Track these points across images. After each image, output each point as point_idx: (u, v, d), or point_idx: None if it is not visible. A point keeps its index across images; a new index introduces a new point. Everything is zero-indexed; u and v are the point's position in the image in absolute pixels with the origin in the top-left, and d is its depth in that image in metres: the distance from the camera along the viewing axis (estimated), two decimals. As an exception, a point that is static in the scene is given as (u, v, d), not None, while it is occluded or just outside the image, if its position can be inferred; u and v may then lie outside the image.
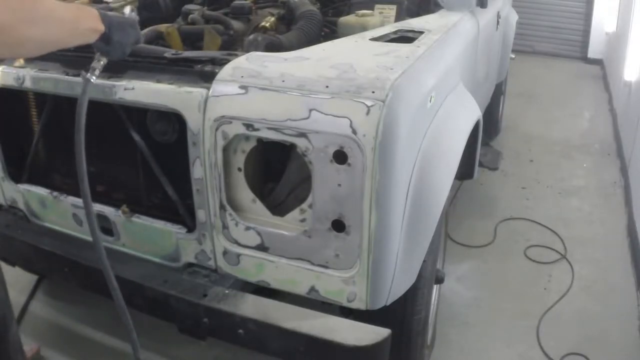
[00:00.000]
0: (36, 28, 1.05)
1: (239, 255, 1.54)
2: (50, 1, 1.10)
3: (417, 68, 1.49)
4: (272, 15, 2.20)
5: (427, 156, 1.49)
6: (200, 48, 2.00)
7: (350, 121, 1.28)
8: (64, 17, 1.14)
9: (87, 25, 1.22)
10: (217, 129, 1.42)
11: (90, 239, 1.78)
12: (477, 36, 2.35)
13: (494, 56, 3.14)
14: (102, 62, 1.37)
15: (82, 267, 1.68)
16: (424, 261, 1.58)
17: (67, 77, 1.61)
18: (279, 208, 1.53)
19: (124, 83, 1.53)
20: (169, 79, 1.52)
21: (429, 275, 1.69)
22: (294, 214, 1.48)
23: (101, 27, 1.26)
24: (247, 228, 1.50)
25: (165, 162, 1.62)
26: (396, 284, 1.46)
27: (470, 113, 1.96)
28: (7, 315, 1.24)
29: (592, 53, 6.88)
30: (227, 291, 1.54)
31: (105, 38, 1.28)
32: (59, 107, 1.76)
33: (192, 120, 1.44)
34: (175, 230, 1.63)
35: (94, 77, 1.34)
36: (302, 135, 1.33)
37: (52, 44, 1.15)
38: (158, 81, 1.51)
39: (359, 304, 1.45)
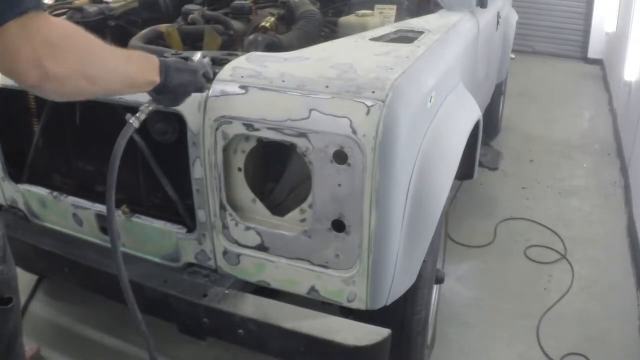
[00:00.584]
0: (94, 85, 1.03)
1: (239, 255, 1.54)
2: (117, 55, 1.09)
3: (417, 68, 1.49)
4: (272, 15, 2.20)
5: (427, 156, 1.49)
6: (200, 48, 2.00)
7: (350, 121, 1.28)
8: (125, 72, 1.12)
9: (145, 78, 1.19)
10: (217, 129, 1.42)
11: (90, 238, 1.79)
12: (477, 36, 2.35)
13: (494, 56, 3.14)
14: (150, 108, 1.30)
15: (82, 267, 1.68)
16: (424, 261, 1.58)
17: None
18: (279, 208, 1.53)
19: (124, 83, 1.53)
20: (169, 79, 1.51)
21: (429, 275, 1.69)
22: (294, 214, 1.48)
23: (157, 79, 1.21)
24: (247, 228, 1.50)
25: (165, 162, 1.62)
26: (396, 284, 1.46)
27: (470, 113, 1.96)
28: (18, 325, 1.26)
29: (592, 53, 6.88)
30: (227, 291, 1.54)
31: (158, 88, 1.22)
32: (59, 107, 1.75)
33: (192, 120, 1.44)
34: (175, 230, 1.63)
35: (137, 123, 1.28)
36: (302, 135, 1.33)
37: (102, 94, 1.14)
38: (158, 81, 1.51)
39: (359, 304, 1.45)
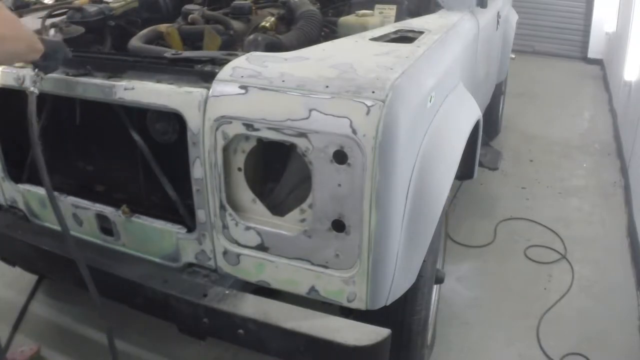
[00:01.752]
0: None
1: (239, 255, 1.54)
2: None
3: (417, 68, 1.49)
4: (272, 15, 2.20)
5: (427, 156, 1.49)
6: (200, 48, 2.00)
7: (350, 121, 1.28)
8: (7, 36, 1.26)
9: (31, 46, 1.38)
10: (217, 129, 1.42)
11: (90, 238, 1.79)
12: (477, 36, 2.35)
13: (494, 56, 3.14)
14: (40, 77, 1.53)
15: (82, 267, 1.68)
16: (424, 261, 1.58)
17: (67, 77, 1.61)
18: (279, 208, 1.53)
19: (124, 83, 1.53)
20: (169, 79, 1.51)
21: (429, 275, 1.69)
22: (294, 214, 1.48)
23: (42, 48, 1.42)
24: (247, 228, 1.50)
25: (165, 162, 1.62)
26: (396, 284, 1.46)
27: (470, 113, 1.96)
28: None
29: (592, 53, 6.88)
30: (227, 291, 1.54)
31: (45, 56, 1.44)
32: (59, 107, 1.76)
33: (192, 120, 1.44)
34: (175, 230, 1.63)
35: (36, 90, 1.50)
36: (302, 135, 1.33)
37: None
38: (158, 81, 1.51)
39: (359, 304, 1.45)
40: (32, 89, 1.49)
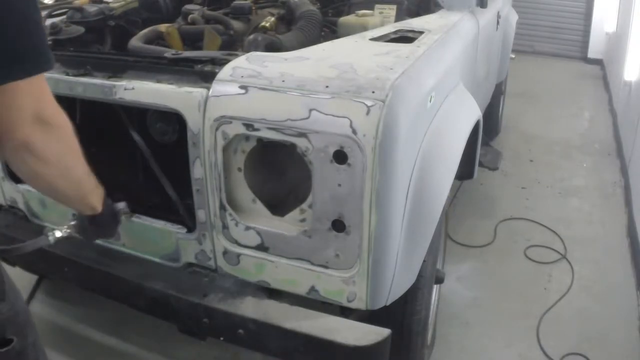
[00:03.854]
0: (59, 179, 1.07)
1: (239, 255, 1.54)
2: (85, 167, 1.14)
3: (417, 68, 1.49)
4: (272, 15, 2.20)
5: (427, 156, 1.49)
6: (200, 48, 2.00)
7: (350, 121, 1.28)
8: (84, 187, 1.18)
9: (92, 201, 1.27)
10: (217, 129, 1.42)
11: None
12: (477, 36, 2.35)
13: (494, 56, 3.14)
14: (68, 231, 1.40)
15: (82, 267, 1.68)
16: (424, 261, 1.58)
17: (67, 77, 1.61)
18: (279, 208, 1.53)
19: (124, 83, 1.53)
20: (169, 79, 1.52)
21: (429, 275, 1.69)
22: (294, 214, 1.48)
23: (99, 208, 1.30)
24: (247, 228, 1.50)
25: (165, 162, 1.62)
26: (396, 284, 1.46)
27: (470, 113, 1.96)
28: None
29: (592, 53, 6.88)
30: (227, 291, 1.54)
31: (94, 217, 1.32)
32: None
33: (192, 120, 1.44)
34: (175, 230, 1.63)
35: (50, 239, 1.38)
36: (302, 135, 1.33)
37: (54, 195, 1.17)
38: (158, 81, 1.51)
39: (359, 304, 1.45)
40: (49, 234, 1.38)
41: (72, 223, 1.41)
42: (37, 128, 0.93)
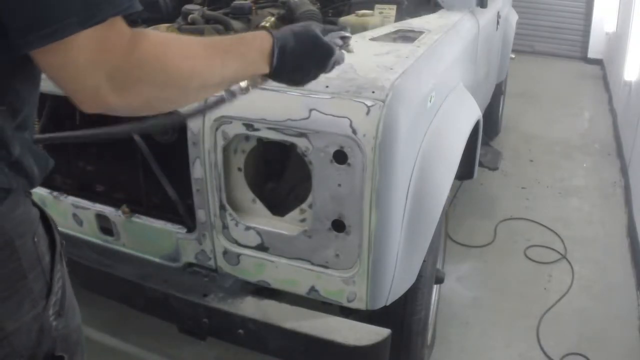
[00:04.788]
0: (173, 104, 0.88)
1: (239, 255, 1.54)
2: (211, 61, 0.88)
3: (417, 68, 1.49)
4: (272, 15, 2.20)
5: (427, 156, 1.49)
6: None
7: (350, 121, 1.28)
8: (219, 80, 0.92)
9: (246, 74, 0.98)
10: (217, 129, 1.42)
11: (90, 238, 1.79)
12: (477, 36, 2.35)
13: (494, 56, 3.14)
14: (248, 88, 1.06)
15: (82, 267, 1.68)
16: (424, 261, 1.58)
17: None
18: (279, 208, 1.53)
19: (124, 83, 1.53)
20: (169, 79, 1.51)
21: (429, 275, 1.69)
22: (294, 214, 1.48)
23: (266, 69, 0.99)
24: (247, 228, 1.50)
25: (165, 162, 1.62)
26: (396, 284, 1.46)
27: (470, 113, 1.96)
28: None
29: (592, 53, 6.88)
30: (227, 291, 1.54)
31: (271, 75, 1.01)
32: (59, 107, 1.76)
33: (192, 120, 1.44)
34: (175, 230, 1.63)
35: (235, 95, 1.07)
36: (302, 135, 1.33)
37: (192, 102, 0.96)
38: (158, 81, 1.51)
39: (359, 304, 1.45)
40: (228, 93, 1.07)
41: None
42: (107, 90, 0.74)
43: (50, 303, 0.90)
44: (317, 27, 1.07)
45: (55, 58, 0.72)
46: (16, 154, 0.81)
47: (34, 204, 0.90)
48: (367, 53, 1.59)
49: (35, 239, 0.86)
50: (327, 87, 1.33)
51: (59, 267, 0.93)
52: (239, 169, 1.48)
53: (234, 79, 0.97)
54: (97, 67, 0.72)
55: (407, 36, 1.80)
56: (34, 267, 0.87)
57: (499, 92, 3.83)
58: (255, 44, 0.97)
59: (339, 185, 1.34)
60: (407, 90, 1.37)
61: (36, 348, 0.89)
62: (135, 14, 0.77)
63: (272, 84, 1.37)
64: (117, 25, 0.73)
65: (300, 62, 1.03)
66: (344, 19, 2.11)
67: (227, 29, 2.07)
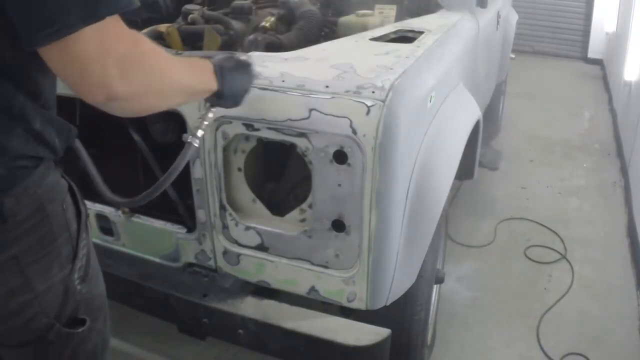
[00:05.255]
0: (161, 101, 0.97)
1: (239, 255, 1.54)
2: (179, 67, 1.01)
3: (417, 68, 1.49)
4: (272, 15, 2.20)
5: (427, 156, 1.49)
6: (200, 48, 2.00)
7: (350, 121, 1.28)
8: (188, 85, 1.04)
9: (204, 87, 1.11)
10: (217, 129, 1.42)
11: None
12: (477, 36, 2.35)
13: (494, 56, 3.14)
14: (206, 122, 1.22)
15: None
16: (424, 261, 1.58)
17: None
18: (279, 208, 1.53)
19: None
20: (169, 79, 1.51)
21: (429, 275, 1.69)
22: (294, 214, 1.48)
23: (215, 87, 1.13)
24: (247, 228, 1.50)
25: (165, 162, 1.62)
26: (396, 284, 1.46)
27: (470, 113, 1.96)
28: (87, 354, 1.10)
29: (592, 53, 6.87)
30: (227, 291, 1.54)
31: (217, 94, 1.14)
32: (59, 107, 1.75)
33: (192, 120, 1.44)
34: (175, 230, 1.63)
35: (197, 141, 1.20)
36: (302, 135, 1.33)
37: (166, 108, 1.05)
38: (158, 81, 1.51)
39: (358, 304, 1.45)
40: (189, 138, 1.21)
41: (205, 110, 1.23)
42: (115, 75, 0.81)
43: (75, 267, 0.99)
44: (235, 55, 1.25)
45: (62, 54, 0.79)
46: (37, 127, 0.90)
47: (63, 176, 1.00)
48: (367, 53, 1.59)
49: (64, 206, 0.97)
50: (327, 87, 1.33)
51: (84, 236, 1.02)
52: (239, 169, 1.48)
53: (197, 90, 1.10)
54: (105, 55, 0.80)
55: (407, 36, 1.80)
56: (63, 232, 0.96)
57: (499, 92, 3.83)
58: (203, 64, 1.13)
59: (339, 185, 1.34)
60: (407, 90, 1.37)
61: (61, 309, 0.99)
62: (135, 13, 0.82)
63: (272, 84, 1.37)
64: (118, 22, 0.82)
65: (236, 78, 1.19)
66: (344, 19, 2.11)
67: (227, 29, 2.07)
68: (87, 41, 0.78)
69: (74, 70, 0.81)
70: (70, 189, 1.01)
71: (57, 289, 0.97)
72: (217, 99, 1.16)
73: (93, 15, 0.77)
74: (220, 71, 1.14)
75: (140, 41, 0.87)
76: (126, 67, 0.83)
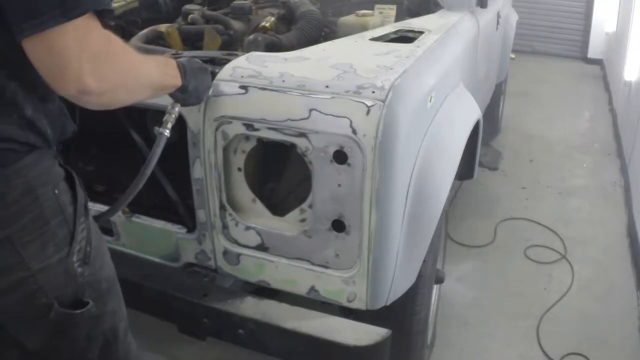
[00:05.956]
0: (130, 95, 1.03)
1: (239, 255, 1.54)
2: (147, 64, 1.09)
3: (417, 68, 1.49)
4: (272, 15, 2.20)
5: (427, 156, 1.49)
6: (200, 48, 2.00)
7: (350, 121, 1.28)
8: (156, 80, 1.13)
9: (170, 82, 1.20)
10: (217, 129, 1.42)
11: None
12: (477, 36, 2.35)
13: (494, 56, 3.14)
14: (174, 115, 1.31)
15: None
16: (424, 261, 1.58)
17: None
18: (279, 208, 1.53)
19: (124, 83, 1.53)
20: (169, 79, 1.51)
21: (429, 275, 1.69)
22: (294, 214, 1.48)
23: (179, 82, 1.22)
24: (247, 228, 1.50)
25: (165, 162, 1.62)
26: (396, 284, 1.46)
27: (470, 113, 1.96)
28: (95, 333, 1.13)
29: (592, 53, 6.87)
30: (227, 291, 1.54)
31: (182, 89, 1.24)
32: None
33: (192, 120, 1.45)
34: (175, 230, 1.63)
35: (167, 131, 1.29)
36: (302, 135, 1.33)
37: (135, 101, 1.11)
38: (158, 81, 1.51)
39: (359, 304, 1.45)
40: (160, 129, 1.29)
41: (170, 106, 1.32)
42: (88, 71, 0.87)
43: (73, 250, 1.03)
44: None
45: (42, 46, 0.85)
46: (28, 114, 0.96)
47: (61, 165, 1.05)
48: (367, 53, 1.59)
49: (56, 191, 1.00)
50: (327, 87, 1.34)
51: (83, 220, 1.06)
52: (239, 169, 1.48)
53: (163, 85, 1.18)
54: (81, 51, 0.86)
55: (407, 36, 1.80)
56: (56, 214, 1.00)
57: (499, 92, 3.83)
58: (169, 62, 1.22)
59: (339, 185, 1.34)
60: (407, 90, 1.37)
61: (62, 289, 1.03)
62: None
63: (272, 84, 1.37)
64: (95, 21, 0.89)
65: (198, 76, 1.29)
66: (344, 19, 2.11)
67: (227, 29, 2.07)
68: (66, 36, 0.85)
69: (51, 63, 0.87)
70: (69, 177, 1.05)
71: (55, 269, 1.01)
72: (181, 93, 1.26)
73: (74, 10, 0.84)
74: (183, 68, 1.24)
75: (113, 40, 0.94)
76: (99, 64, 0.89)
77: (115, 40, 0.95)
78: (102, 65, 0.90)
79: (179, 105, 1.32)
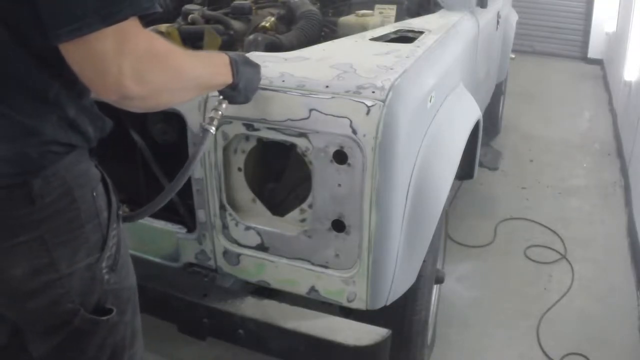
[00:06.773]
0: (174, 98, 1.01)
1: (239, 255, 1.54)
2: (195, 63, 1.05)
3: (417, 68, 1.49)
4: (272, 15, 2.20)
5: (427, 156, 1.49)
6: (200, 48, 2.00)
7: (350, 121, 1.28)
8: (203, 80, 1.09)
9: (219, 81, 1.17)
10: (217, 129, 1.42)
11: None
12: (477, 36, 2.35)
13: (494, 56, 3.14)
14: (220, 112, 1.27)
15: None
16: (424, 261, 1.58)
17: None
18: (279, 208, 1.53)
19: (124, 83, 1.53)
20: (169, 79, 1.51)
21: (429, 275, 1.69)
22: (294, 214, 1.48)
23: (230, 80, 1.18)
24: (247, 228, 1.50)
25: (165, 162, 1.62)
26: (396, 284, 1.46)
27: (470, 113, 1.96)
28: (117, 343, 1.10)
29: (592, 53, 6.87)
30: (227, 291, 1.54)
31: (232, 86, 1.20)
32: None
33: (192, 120, 1.44)
34: (175, 230, 1.63)
35: (213, 128, 1.24)
36: (302, 135, 1.33)
37: (180, 103, 1.11)
38: (158, 81, 1.51)
39: (359, 304, 1.45)
40: (206, 125, 1.24)
41: (217, 102, 1.28)
42: (128, 76, 0.84)
43: (104, 256, 1.01)
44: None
45: (81, 51, 0.82)
46: (71, 115, 0.94)
47: (97, 167, 1.04)
48: (367, 53, 1.59)
49: (94, 194, 0.99)
50: (327, 87, 1.34)
51: (115, 226, 1.04)
52: (239, 169, 1.48)
53: (213, 83, 1.16)
54: (121, 55, 0.83)
55: (407, 36, 1.80)
56: (92, 218, 0.98)
57: (499, 92, 3.83)
58: (220, 58, 1.18)
59: (339, 185, 1.34)
60: (407, 90, 1.37)
61: (88, 296, 1.00)
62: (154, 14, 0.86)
63: (272, 84, 1.37)
64: (137, 24, 0.85)
65: (250, 73, 1.26)
66: (344, 19, 2.11)
67: (227, 29, 2.07)
68: (105, 41, 0.81)
69: (91, 68, 0.84)
70: (103, 180, 1.04)
71: (83, 274, 0.98)
72: (231, 91, 1.22)
73: (114, 15, 0.80)
74: (235, 64, 1.19)
75: (155, 42, 0.90)
76: (141, 68, 0.86)
77: (158, 41, 0.92)
78: (144, 69, 0.87)
79: (226, 102, 1.27)
